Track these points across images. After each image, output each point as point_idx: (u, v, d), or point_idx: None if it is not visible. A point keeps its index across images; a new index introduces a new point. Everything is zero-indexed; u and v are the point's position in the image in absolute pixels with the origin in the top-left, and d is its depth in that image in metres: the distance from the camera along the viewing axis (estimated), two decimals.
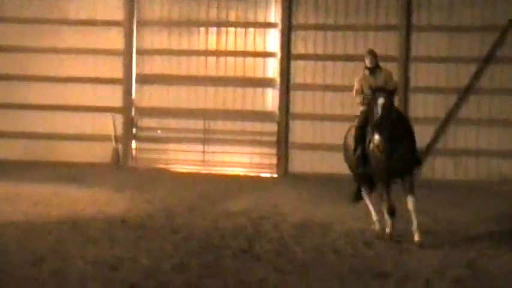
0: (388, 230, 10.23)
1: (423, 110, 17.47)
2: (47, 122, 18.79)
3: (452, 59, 17.35)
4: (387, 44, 17.37)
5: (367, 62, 10.81)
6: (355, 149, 10.50)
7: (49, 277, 7.89)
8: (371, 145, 10.11)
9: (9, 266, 8.25)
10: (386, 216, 10.26)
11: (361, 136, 10.43)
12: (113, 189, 14.70)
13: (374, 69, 10.79)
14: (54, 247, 9.28)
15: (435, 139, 17.37)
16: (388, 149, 9.89)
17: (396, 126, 9.95)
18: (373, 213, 10.79)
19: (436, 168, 17.27)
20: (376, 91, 10.13)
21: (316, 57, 18.00)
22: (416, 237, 9.87)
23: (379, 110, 9.87)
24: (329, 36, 17.99)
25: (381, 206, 10.47)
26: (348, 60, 17.63)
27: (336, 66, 17.83)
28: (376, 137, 9.85)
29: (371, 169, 10.33)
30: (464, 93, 17.24)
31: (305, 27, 18.09)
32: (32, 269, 8.19)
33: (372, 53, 10.93)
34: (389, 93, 10.08)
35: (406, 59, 17.47)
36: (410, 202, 9.99)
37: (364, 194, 10.97)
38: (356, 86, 10.86)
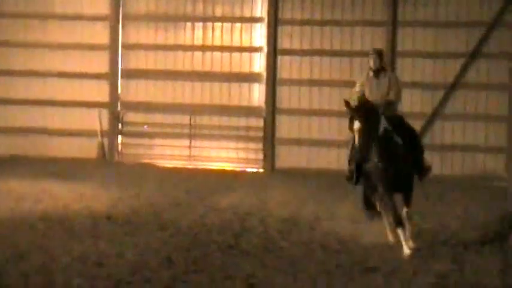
0: (404, 240, 9.23)
1: (409, 105, 17.48)
2: (32, 116, 18.68)
3: (438, 54, 17.38)
4: (373, 39, 17.37)
5: (371, 63, 9.85)
6: (349, 162, 9.81)
7: (34, 273, 7.84)
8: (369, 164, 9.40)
9: None
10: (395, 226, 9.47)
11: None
12: (99, 184, 14.63)
13: (378, 72, 9.80)
14: (39, 243, 9.23)
15: (421, 134, 17.41)
16: (383, 170, 9.25)
17: (387, 144, 9.18)
18: (386, 225, 9.86)
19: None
20: (354, 111, 9.11)
21: (303, 53, 17.97)
22: (410, 245, 9.17)
23: (355, 136, 9.08)
24: (315, 32, 17.98)
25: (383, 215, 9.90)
26: (334, 55, 17.64)
27: (322, 62, 17.81)
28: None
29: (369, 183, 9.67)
30: (451, 88, 17.29)
31: (291, 22, 18.06)
32: (16, 265, 8.13)
33: (377, 53, 9.94)
34: (370, 112, 9.10)
35: (392, 55, 17.48)
36: (404, 212, 9.41)
37: (377, 205, 10.01)
38: (356, 89, 9.94)
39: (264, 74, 18.19)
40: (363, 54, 17.46)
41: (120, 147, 18.79)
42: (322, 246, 9.64)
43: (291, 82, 18.04)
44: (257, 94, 18.35)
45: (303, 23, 18.04)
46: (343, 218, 11.42)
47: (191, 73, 18.39)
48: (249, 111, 18.28)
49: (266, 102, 18.10)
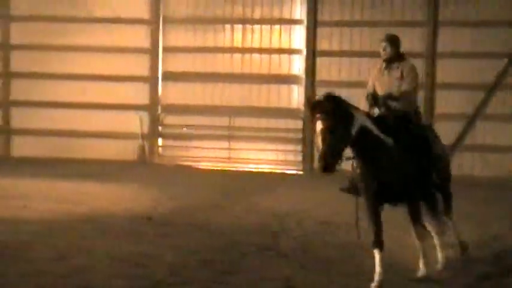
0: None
1: (450, 106, 17.33)
2: (73, 119, 18.92)
3: (478, 54, 17.19)
4: (413, 40, 17.24)
5: (381, 51, 8.37)
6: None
7: (74, 273, 7.92)
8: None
9: (35, 262, 8.30)
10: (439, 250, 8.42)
11: None
12: (139, 186, 14.74)
13: (391, 62, 8.29)
14: (79, 244, 9.32)
15: (462, 135, 17.24)
16: (361, 176, 7.87)
17: (365, 145, 7.58)
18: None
19: (464, 165, 17.12)
20: (312, 107, 7.49)
21: (342, 54, 17.92)
22: (428, 271, 8.03)
23: (317, 139, 7.42)
24: (354, 33, 17.91)
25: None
26: (373, 56, 17.47)
27: (361, 63, 17.73)
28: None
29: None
30: (492, 88, 17.09)
31: (330, 23, 18.02)
32: (56, 265, 8.23)
33: (389, 40, 8.38)
34: (337, 108, 7.34)
35: (432, 55, 17.33)
36: (415, 231, 8.02)
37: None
38: (369, 83, 8.52)
39: (303, 75, 18.17)
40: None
41: (159, 149, 18.93)
42: (360, 247, 9.58)
43: (330, 84, 17.98)
44: (296, 96, 18.34)
45: (342, 24, 17.98)
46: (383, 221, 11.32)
47: (230, 75, 18.46)
48: (288, 113, 18.28)
49: (305, 103, 18.08)
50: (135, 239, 9.79)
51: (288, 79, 18.37)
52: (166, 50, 18.88)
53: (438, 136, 8.66)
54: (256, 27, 18.63)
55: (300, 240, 10.03)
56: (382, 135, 7.65)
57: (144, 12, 18.87)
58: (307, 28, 18.16)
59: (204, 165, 18.39)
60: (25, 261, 8.32)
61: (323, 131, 7.30)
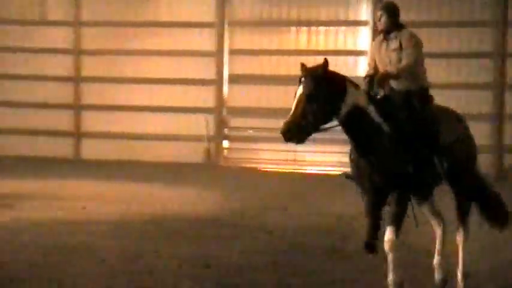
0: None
1: None
2: (140, 122, 19.21)
3: None
4: (482, 40, 16.96)
5: (377, 22, 7.27)
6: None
7: (144, 274, 8.04)
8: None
9: (105, 263, 8.45)
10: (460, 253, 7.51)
11: None
12: (205, 188, 14.86)
13: (389, 33, 7.17)
14: (148, 245, 9.45)
15: None
16: (353, 163, 7.15)
17: (356, 128, 6.75)
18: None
19: None
20: (302, 70, 6.82)
21: None
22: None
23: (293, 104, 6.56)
24: (422, 33, 17.68)
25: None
26: (441, 57, 17.30)
27: (430, 64, 17.47)
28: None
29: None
30: None
31: None
32: (126, 266, 8.36)
33: (386, 9, 7.16)
34: (328, 77, 6.71)
35: (502, 55, 17.01)
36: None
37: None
38: (368, 61, 7.57)
39: None
40: (471, 55, 17.17)
41: (225, 151, 19.05)
42: (427, 250, 9.45)
43: None
44: None
45: (408, 24, 17.77)
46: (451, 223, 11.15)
47: (295, 77, 18.40)
48: None
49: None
50: (201, 240, 9.87)
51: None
52: (231, 52, 18.99)
53: (460, 124, 7.33)
54: (322, 29, 18.59)
55: None
56: (378, 119, 6.68)
57: (209, 16, 19.02)
58: (373, 29, 18.02)
59: (269, 167, 18.42)
60: (96, 262, 8.48)
61: (300, 96, 6.61)
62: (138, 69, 19.29)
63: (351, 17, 18.41)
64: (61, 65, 19.68)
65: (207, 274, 8.14)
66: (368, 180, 6.87)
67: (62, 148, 19.64)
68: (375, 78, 7.05)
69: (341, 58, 18.29)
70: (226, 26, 19.02)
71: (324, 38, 18.60)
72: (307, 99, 6.51)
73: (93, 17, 19.55)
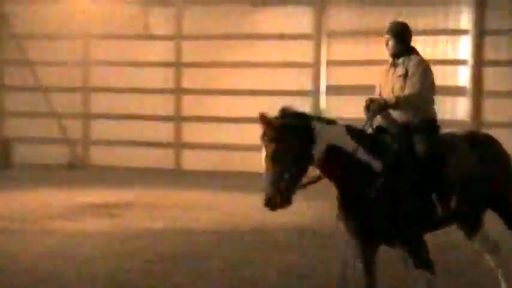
0: None
1: None
2: (238, 133, 19.44)
3: None
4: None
5: (385, 46, 6.58)
6: None
7: (243, 284, 8.18)
8: None
9: (207, 273, 8.64)
10: None
11: None
12: (301, 198, 14.87)
13: (398, 58, 6.52)
14: (246, 255, 9.59)
15: None
16: (340, 206, 6.33)
17: (343, 168, 5.99)
18: None
19: None
20: (266, 127, 5.91)
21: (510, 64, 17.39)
22: None
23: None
24: None
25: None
26: None
27: None
28: None
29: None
30: None
31: (498, 32, 17.50)
32: (227, 276, 8.53)
33: (392, 32, 6.51)
34: (291, 126, 5.93)
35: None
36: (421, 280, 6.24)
37: None
38: (376, 87, 6.74)
39: (469, 86, 17.74)
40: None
41: None
42: None
43: (499, 94, 17.46)
44: (462, 107, 17.93)
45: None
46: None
47: None
48: (451, 125, 17.86)
49: (471, 115, 17.64)
50: (299, 251, 9.94)
51: (452, 90, 17.97)
52: (329, 63, 19.03)
53: (480, 151, 6.52)
54: (420, 38, 18.38)
55: (470, 257, 9.72)
56: (365, 157, 5.95)
57: (307, 27, 19.13)
58: (474, 38, 17.71)
59: None
60: (197, 272, 8.68)
61: (266, 158, 5.75)
62: (236, 80, 19.57)
63: (451, 26, 18.14)
64: (161, 77, 20.18)
65: (304, 285, 8.20)
66: (356, 226, 6.15)
67: (163, 159, 20.10)
68: (370, 106, 6.38)
69: (439, 67, 18.04)
70: (323, 37, 19.08)
71: (422, 48, 18.34)
72: (272, 160, 5.73)
73: (194, 31, 19.96)
